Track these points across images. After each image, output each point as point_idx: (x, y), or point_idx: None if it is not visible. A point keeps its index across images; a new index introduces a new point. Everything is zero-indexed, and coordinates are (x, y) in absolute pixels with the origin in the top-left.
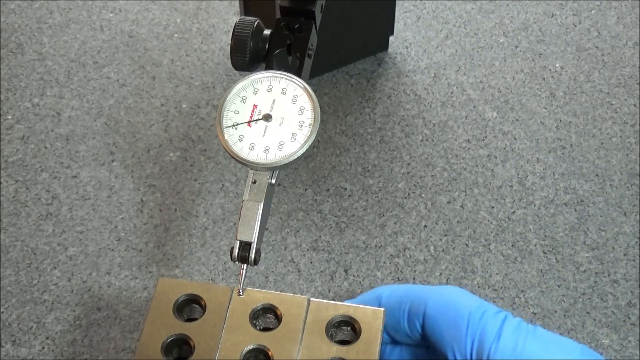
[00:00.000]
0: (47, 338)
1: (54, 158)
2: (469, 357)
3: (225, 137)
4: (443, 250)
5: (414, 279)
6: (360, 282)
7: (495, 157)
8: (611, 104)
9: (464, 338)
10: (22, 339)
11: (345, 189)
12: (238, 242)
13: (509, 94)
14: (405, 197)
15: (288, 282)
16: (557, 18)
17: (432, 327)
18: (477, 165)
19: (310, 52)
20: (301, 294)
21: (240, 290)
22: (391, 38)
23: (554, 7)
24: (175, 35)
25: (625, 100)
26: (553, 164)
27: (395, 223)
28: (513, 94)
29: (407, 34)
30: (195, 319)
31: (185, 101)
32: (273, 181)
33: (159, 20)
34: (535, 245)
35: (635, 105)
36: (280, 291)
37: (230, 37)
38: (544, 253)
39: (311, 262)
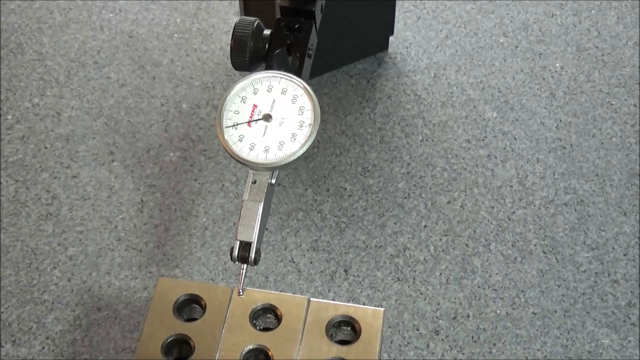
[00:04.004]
0: (47, 338)
1: (54, 158)
2: None
3: (225, 137)
4: (443, 250)
5: (414, 279)
6: (360, 282)
7: (495, 157)
8: (611, 104)
9: None
10: (22, 339)
11: (345, 189)
12: (238, 242)
13: (509, 94)
14: (405, 197)
15: (288, 282)
16: (557, 18)
17: None
18: (477, 165)
19: (310, 52)
20: (301, 294)
21: (240, 290)
22: (391, 38)
23: (554, 7)
24: (175, 35)
25: (625, 100)
26: (553, 164)
27: (395, 223)
28: (513, 94)
29: (407, 34)
30: (195, 319)
31: (185, 101)
32: (273, 181)
33: (159, 20)
34: (535, 245)
35: (635, 105)
36: (280, 291)
37: (230, 37)
38: (544, 253)
39: (311, 262)
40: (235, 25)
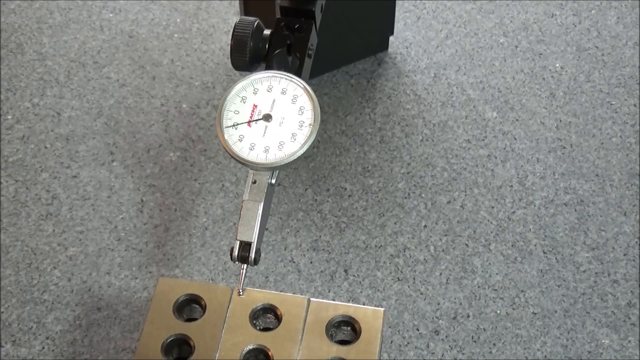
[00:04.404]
0: (47, 338)
1: (54, 158)
2: None
3: (225, 137)
4: (443, 250)
5: (414, 279)
6: (360, 282)
7: (495, 157)
8: (611, 104)
9: None
10: (22, 339)
11: (345, 189)
12: (238, 242)
13: (509, 94)
14: (405, 197)
15: (288, 282)
16: (557, 18)
17: None
18: (477, 165)
19: (310, 52)
20: (301, 294)
21: (240, 290)
22: (391, 38)
23: (554, 7)
24: (175, 35)
25: (625, 100)
26: (553, 164)
27: (395, 223)
28: (513, 94)
29: (407, 34)
30: (195, 319)
31: (185, 101)
32: (273, 181)
33: (159, 20)
34: (535, 245)
35: (635, 105)
36: (280, 291)
37: (230, 37)
38: (544, 253)
39: (311, 262)
40: (235, 25)
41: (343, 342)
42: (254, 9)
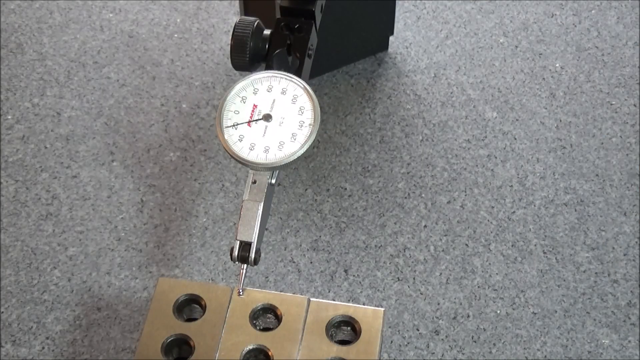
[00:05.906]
0: (47, 338)
1: (54, 158)
2: None
3: (225, 137)
4: (443, 250)
5: (414, 279)
6: (360, 282)
7: (495, 157)
8: (611, 104)
9: None
10: (22, 339)
11: (345, 189)
12: (238, 242)
13: (509, 94)
14: (405, 197)
15: (288, 282)
16: (557, 18)
17: None
18: (477, 165)
19: (310, 52)
20: (301, 294)
21: (240, 290)
22: (391, 38)
23: (554, 7)
24: (175, 35)
25: (625, 100)
26: (553, 164)
27: (395, 223)
28: (513, 94)
29: (407, 34)
30: (195, 319)
31: (185, 101)
32: (273, 181)
33: (159, 20)
34: (535, 245)
35: (635, 105)
36: (280, 291)
37: (230, 37)
38: (544, 253)
39: (311, 262)
40: (235, 25)
41: (343, 342)
42: (254, 9)
